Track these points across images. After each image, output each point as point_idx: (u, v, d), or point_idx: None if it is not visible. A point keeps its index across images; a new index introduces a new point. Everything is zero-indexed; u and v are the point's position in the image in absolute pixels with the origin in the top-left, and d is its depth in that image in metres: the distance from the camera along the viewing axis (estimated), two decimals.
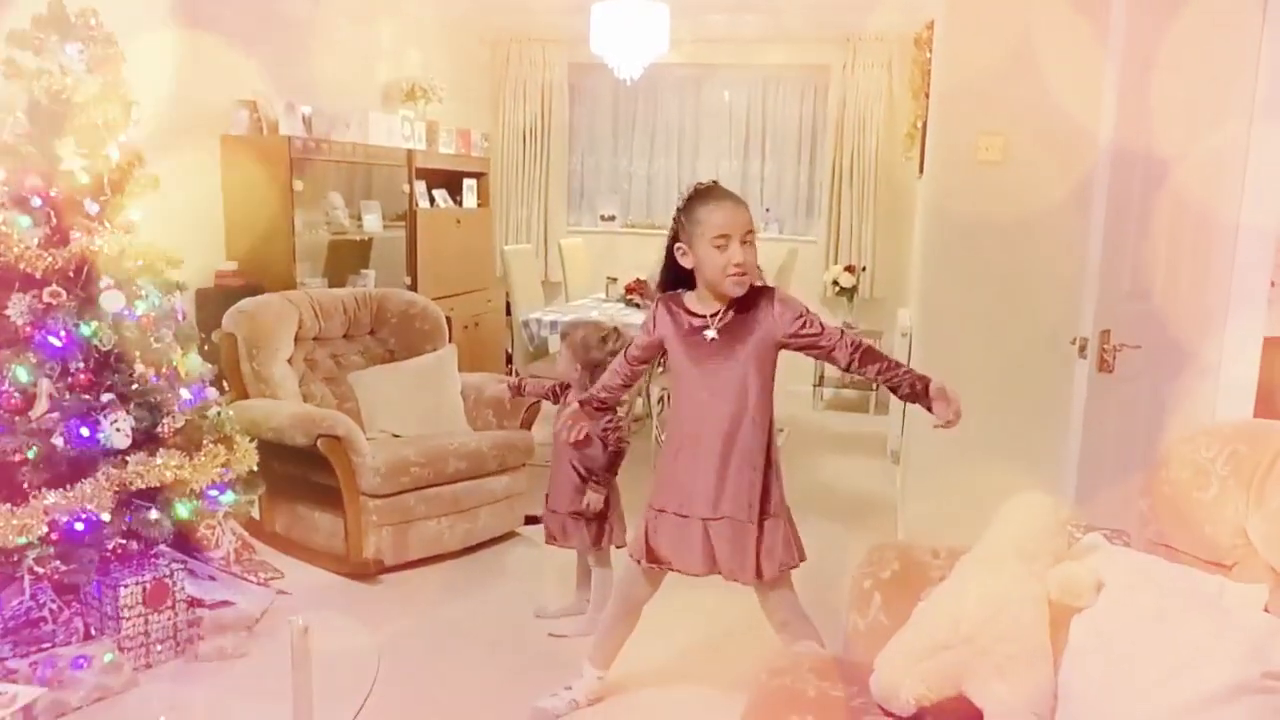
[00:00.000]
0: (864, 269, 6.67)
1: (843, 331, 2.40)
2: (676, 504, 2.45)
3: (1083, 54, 3.15)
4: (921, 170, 5.10)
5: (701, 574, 2.45)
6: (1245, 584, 1.58)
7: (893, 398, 5.24)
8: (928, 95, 4.75)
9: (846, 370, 2.37)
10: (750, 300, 2.36)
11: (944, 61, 3.62)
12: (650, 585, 2.57)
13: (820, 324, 2.38)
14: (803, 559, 2.48)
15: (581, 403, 2.60)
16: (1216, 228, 2.82)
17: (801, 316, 2.35)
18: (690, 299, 2.43)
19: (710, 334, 2.37)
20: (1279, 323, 2.87)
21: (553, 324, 5.06)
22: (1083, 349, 2.64)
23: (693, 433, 2.42)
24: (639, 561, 2.52)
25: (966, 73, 3.43)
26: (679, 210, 2.39)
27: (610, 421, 3.03)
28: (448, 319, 4.53)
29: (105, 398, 2.73)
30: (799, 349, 2.39)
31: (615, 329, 3.19)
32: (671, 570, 2.50)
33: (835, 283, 6.57)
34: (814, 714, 1.70)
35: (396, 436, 3.89)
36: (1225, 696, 1.40)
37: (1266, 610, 1.55)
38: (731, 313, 2.37)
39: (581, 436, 2.56)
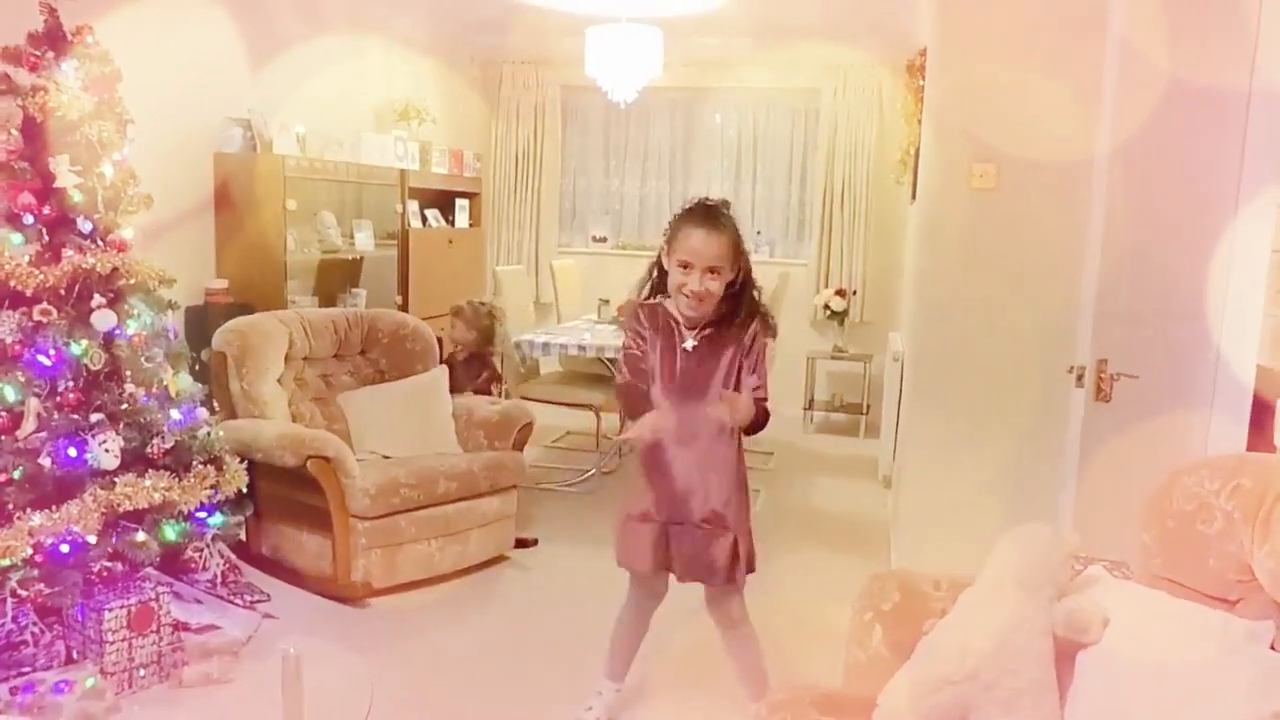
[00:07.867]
0: (855, 293, 6.68)
1: (763, 397, 2.39)
2: (642, 509, 2.47)
3: (1076, 80, 3.16)
4: (914, 196, 5.12)
5: (650, 572, 2.49)
6: (1251, 621, 1.57)
7: (884, 421, 5.29)
8: (921, 122, 4.78)
9: None
10: (735, 319, 2.38)
11: (937, 89, 3.63)
12: (654, 594, 2.58)
13: (760, 375, 2.39)
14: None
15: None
16: (1211, 255, 2.82)
17: (754, 371, 2.38)
18: (672, 306, 2.43)
19: (689, 343, 2.39)
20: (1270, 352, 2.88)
21: (544, 345, 5.03)
22: (1080, 378, 2.64)
23: (663, 441, 2.43)
24: (619, 563, 2.54)
25: (959, 100, 3.44)
26: (675, 216, 2.43)
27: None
28: (439, 339, 4.51)
29: (94, 418, 2.70)
30: None
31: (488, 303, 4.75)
32: (632, 570, 2.52)
33: (826, 306, 6.58)
34: None
35: (386, 458, 3.86)
36: None
37: (1273, 648, 1.53)
38: (712, 327, 2.39)
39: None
